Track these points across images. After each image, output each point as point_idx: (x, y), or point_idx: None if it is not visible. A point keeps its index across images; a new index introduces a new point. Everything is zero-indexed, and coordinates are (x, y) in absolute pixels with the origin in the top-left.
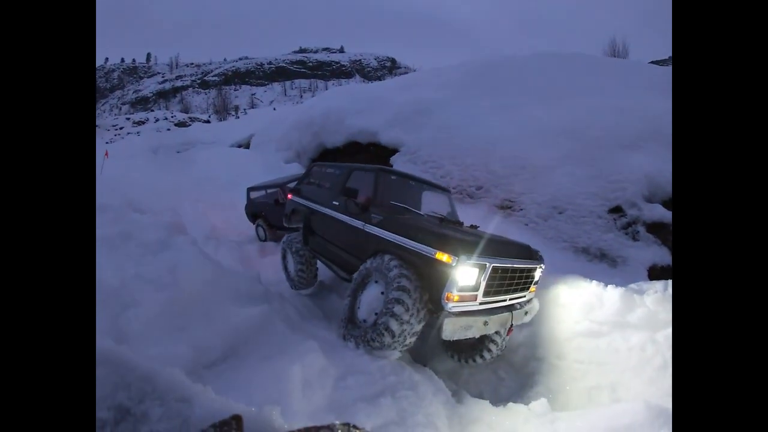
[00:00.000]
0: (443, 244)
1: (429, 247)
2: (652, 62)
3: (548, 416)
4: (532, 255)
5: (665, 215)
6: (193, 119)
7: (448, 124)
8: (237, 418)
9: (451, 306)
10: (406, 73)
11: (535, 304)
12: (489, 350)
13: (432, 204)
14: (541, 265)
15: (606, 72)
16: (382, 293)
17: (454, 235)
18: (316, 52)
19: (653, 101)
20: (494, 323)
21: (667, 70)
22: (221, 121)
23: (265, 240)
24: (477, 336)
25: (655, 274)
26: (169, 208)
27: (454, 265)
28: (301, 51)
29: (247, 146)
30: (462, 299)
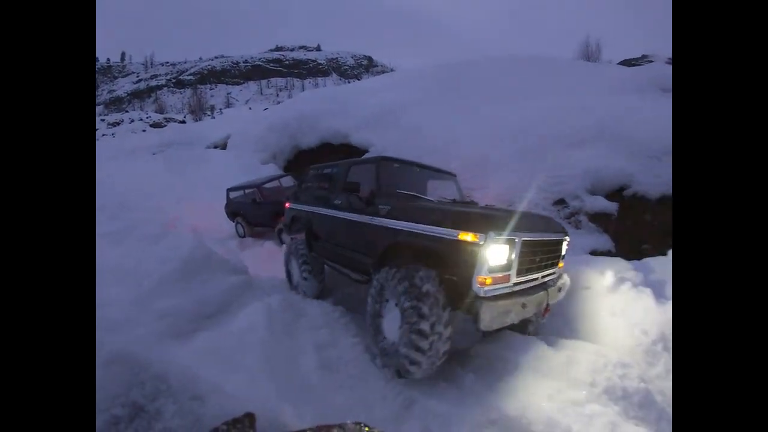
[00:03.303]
0: (466, 223)
1: (449, 229)
2: (625, 61)
3: None
4: (557, 227)
5: (607, 206)
6: (168, 120)
7: (414, 125)
8: (250, 416)
9: (485, 290)
10: (383, 71)
11: (566, 279)
12: (525, 331)
13: (439, 190)
14: (567, 237)
15: (562, 74)
16: (396, 305)
17: (476, 212)
18: (292, 50)
19: (602, 101)
20: (532, 304)
21: (630, 71)
22: (197, 121)
23: (244, 236)
24: (516, 321)
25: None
26: (157, 208)
27: (482, 243)
28: (278, 49)
29: (224, 147)
30: (495, 281)
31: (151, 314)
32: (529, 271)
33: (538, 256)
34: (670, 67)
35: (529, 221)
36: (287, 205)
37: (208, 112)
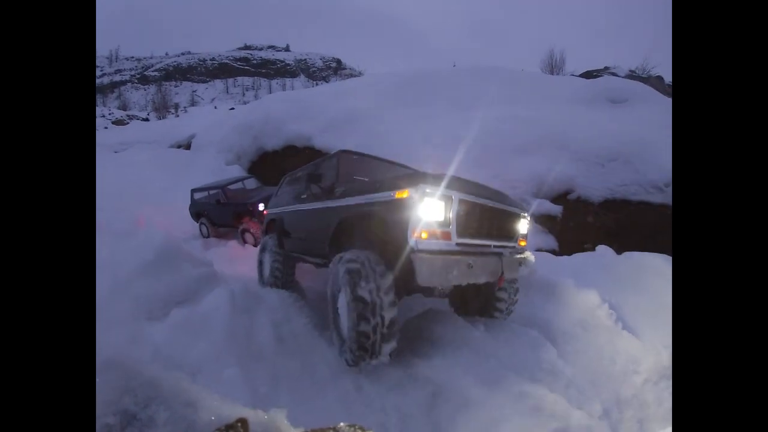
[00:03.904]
0: (400, 182)
1: (387, 192)
2: (587, 72)
3: None
4: (510, 201)
5: (551, 208)
6: (131, 117)
7: (376, 131)
8: (243, 422)
9: (420, 243)
10: (351, 74)
11: (530, 255)
12: (497, 309)
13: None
14: (524, 214)
15: (521, 85)
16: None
17: (411, 173)
18: (261, 49)
19: (552, 110)
20: (481, 269)
21: (583, 82)
22: (161, 119)
23: (207, 236)
24: (464, 283)
25: None
26: (122, 208)
27: (413, 197)
28: (246, 48)
29: (187, 147)
30: (432, 236)
31: (127, 298)
32: (477, 235)
33: (487, 222)
34: (620, 80)
35: (473, 187)
36: (265, 212)
37: (173, 110)
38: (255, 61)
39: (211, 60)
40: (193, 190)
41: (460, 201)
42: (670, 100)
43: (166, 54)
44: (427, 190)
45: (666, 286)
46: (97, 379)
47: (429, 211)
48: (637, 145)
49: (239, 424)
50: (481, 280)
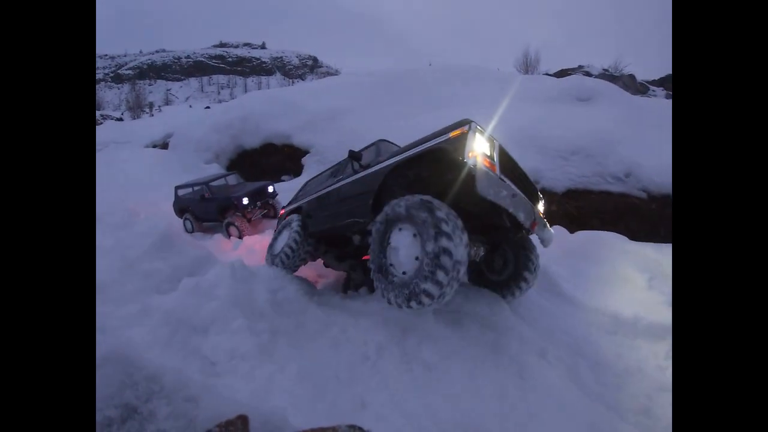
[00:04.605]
0: (453, 126)
1: (442, 136)
2: (562, 71)
3: None
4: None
5: None
6: (105, 117)
7: (353, 129)
8: (243, 419)
9: (477, 162)
10: (328, 72)
11: (551, 230)
12: (520, 288)
13: None
14: (541, 196)
15: (494, 84)
16: (415, 235)
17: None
18: (236, 47)
19: (521, 108)
20: (521, 205)
21: (553, 81)
22: (135, 119)
23: (192, 231)
24: (509, 208)
25: None
26: (112, 203)
27: (468, 133)
28: (222, 45)
29: (164, 146)
30: (482, 160)
31: (136, 277)
32: (512, 180)
33: (518, 179)
34: (587, 79)
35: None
36: (281, 212)
37: (147, 110)
38: (230, 59)
39: (186, 58)
40: (177, 187)
41: (499, 147)
42: (634, 98)
43: (140, 52)
44: (478, 128)
45: (609, 257)
46: (97, 372)
47: (480, 143)
48: (598, 139)
49: (239, 421)
50: (520, 216)
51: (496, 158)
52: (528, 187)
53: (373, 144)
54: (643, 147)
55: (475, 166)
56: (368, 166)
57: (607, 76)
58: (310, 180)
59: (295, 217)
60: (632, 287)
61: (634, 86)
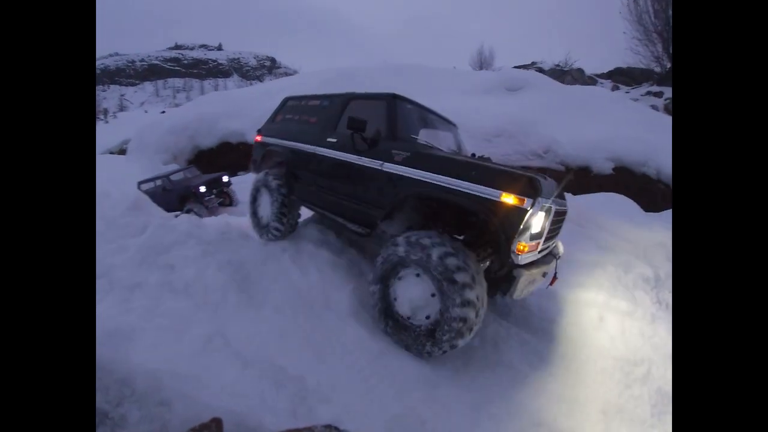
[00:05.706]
0: (509, 183)
1: (490, 188)
2: (517, 66)
3: None
4: (563, 195)
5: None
6: None
7: None
8: (217, 422)
9: (523, 258)
10: (286, 73)
11: (560, 245)
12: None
13: (440, 141)
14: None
15: (436, 80)
16: (433, 295)
17: (520, 174)
18: (192, 49)
19: (457, 100)
20: (546, 273)
21: (488, 75)
22: None
23: None
24: (533, 291)
25: None
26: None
27: (528, 208)
28: (177, 47)
29: (120, 152)
30: (530, 249)
31: (118, 227)
32: (549, 239)
33: (555, 224)
34: (518, 71)
35: (555, 188)
36: (257, 138)
37: (102, 117)
38: (186, 62)
39: (140, 61)
40: (140, 182)
41: (555, 211)
42: (561, 86)
43: None
44: (543, 202)
45: None
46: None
47: (536, 224)
48: (520, 123)
49: (213, 424)
50: (538, 284)
51: (546, 229)
52: (561, 220)
53: (382, 99)
54: (562, 126)
55: (519, 268)
56: (375, 142)
57: (558, 70)
58: (291, 99)
59: (272, 181)
60: None
61: (583, 79)
